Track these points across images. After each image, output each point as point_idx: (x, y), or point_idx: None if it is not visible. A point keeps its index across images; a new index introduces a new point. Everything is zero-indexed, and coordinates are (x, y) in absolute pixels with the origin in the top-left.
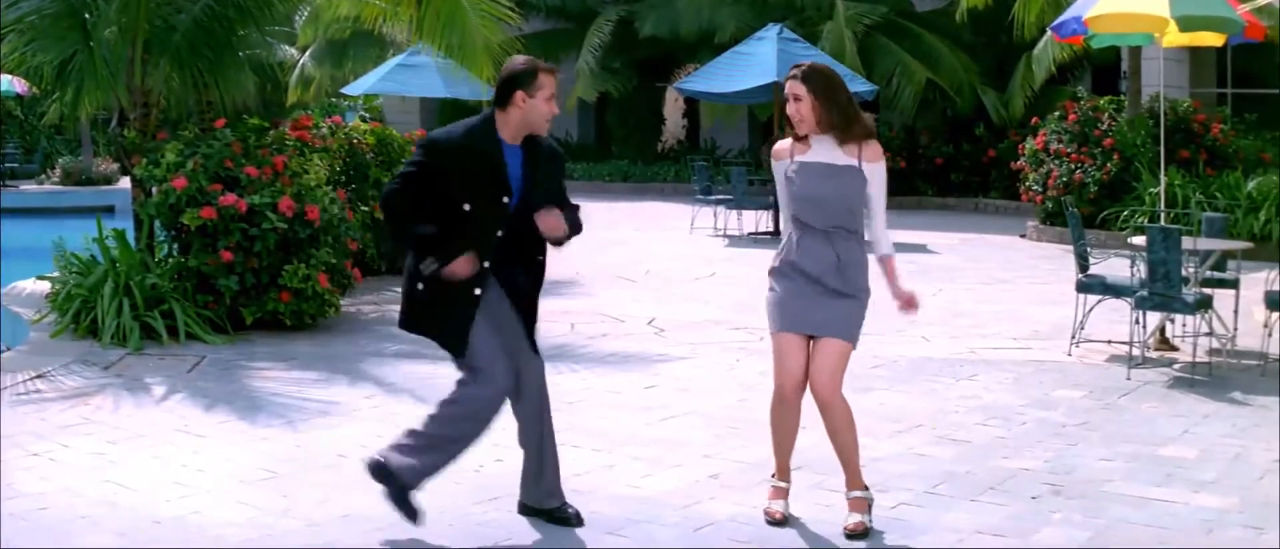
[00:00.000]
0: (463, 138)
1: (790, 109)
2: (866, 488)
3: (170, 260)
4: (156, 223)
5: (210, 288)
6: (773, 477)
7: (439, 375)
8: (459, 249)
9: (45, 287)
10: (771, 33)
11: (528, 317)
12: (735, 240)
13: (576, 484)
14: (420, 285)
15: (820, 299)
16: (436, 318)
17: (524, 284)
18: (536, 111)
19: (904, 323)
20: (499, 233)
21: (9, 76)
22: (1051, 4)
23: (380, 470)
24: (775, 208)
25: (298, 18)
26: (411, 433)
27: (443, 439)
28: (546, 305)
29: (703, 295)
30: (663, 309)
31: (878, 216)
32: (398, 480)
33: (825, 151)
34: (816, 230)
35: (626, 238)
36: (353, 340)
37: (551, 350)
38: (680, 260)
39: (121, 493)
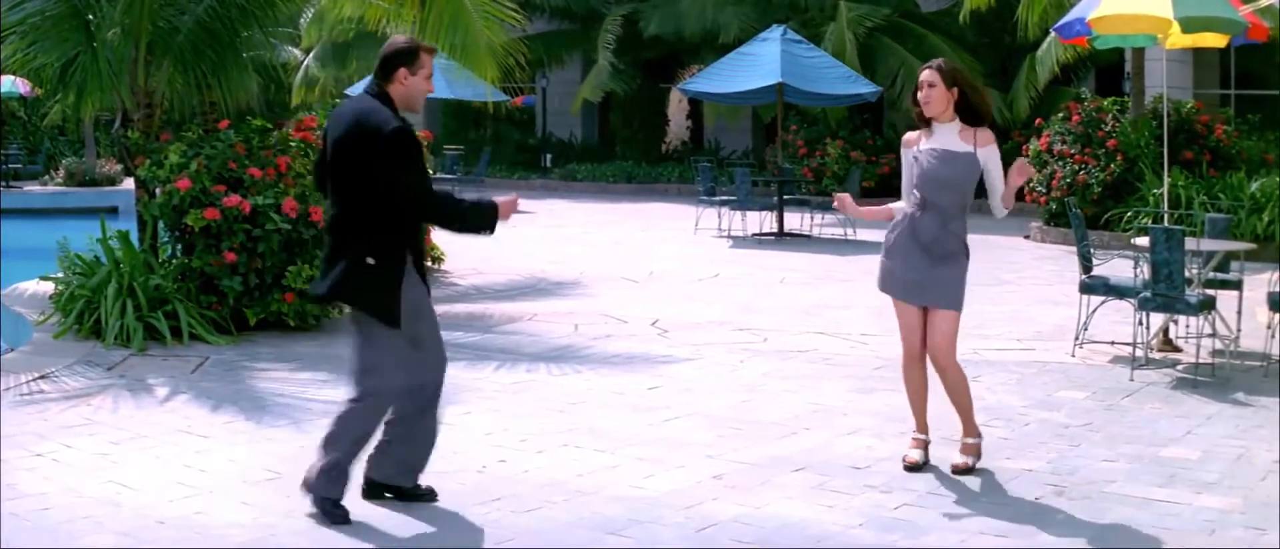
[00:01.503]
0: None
1: (921, 94)
2: (979, 436)
3: (174, 261)
4: (160, 224)
5: (214, 289)
6: (914, 430)
7: (449, 375)
8: (408, 231)
9: (48, 287)
10: (775, 34)
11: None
12: (739, 241)
13: (579, 484)
14: (370, 259)
15: (929, 268)
16: (376, 291)
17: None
18: (418, 89)
19: None
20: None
21: (12, 78)
22: (1054, 5)
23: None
24: (779, 209)
25: (302, 19)
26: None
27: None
28: (550, 305)
29: (706, 296)
30: (666, 310)
31: (997, 188)
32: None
33: (948, 138)
34: (934, 206)
35: (630, 239)
36: (342, 344)
37: (555, 351)
38: (684, 261)
39: (124, 493)
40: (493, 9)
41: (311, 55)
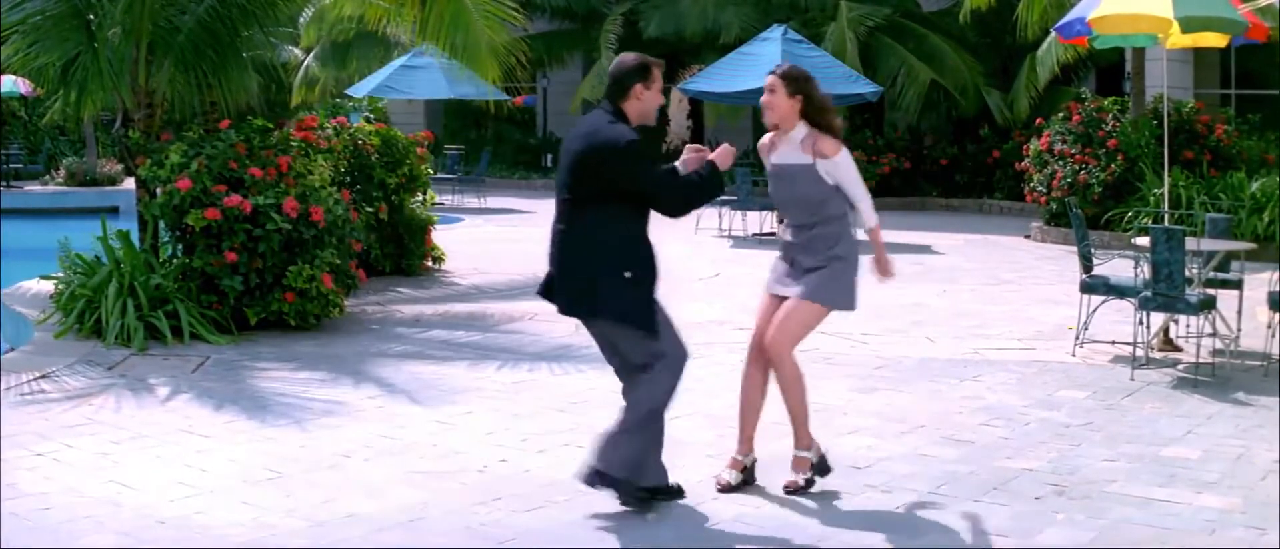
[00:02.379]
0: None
1: (763, 100)
2: (812, 448)
3: (174, 261)
4: (161, 223)
5: (214, 288)
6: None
7: (443, 376)
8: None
9: (49, 287)
10: (776, 34)
11: None
12: (740, 241)
13: (578, 484)
14: (628, 274)
15: (795, 271)
16: (643, 305)
17: None
18: (652, 103)
19: (908, 324)
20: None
21: (13, 77)
22: (1054, 4)
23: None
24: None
25: (301, 18)
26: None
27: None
28: (550, 306)
29: (707, 296)
30: (668, 309)
31: (856, 200)
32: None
33: (790, 151)
34: (793, 220)
35: None
36: (356, 341)
37: (556, 351)
38: (685, 261)
39: (125, 493)
40: (493, 8)
41: (311, 55)
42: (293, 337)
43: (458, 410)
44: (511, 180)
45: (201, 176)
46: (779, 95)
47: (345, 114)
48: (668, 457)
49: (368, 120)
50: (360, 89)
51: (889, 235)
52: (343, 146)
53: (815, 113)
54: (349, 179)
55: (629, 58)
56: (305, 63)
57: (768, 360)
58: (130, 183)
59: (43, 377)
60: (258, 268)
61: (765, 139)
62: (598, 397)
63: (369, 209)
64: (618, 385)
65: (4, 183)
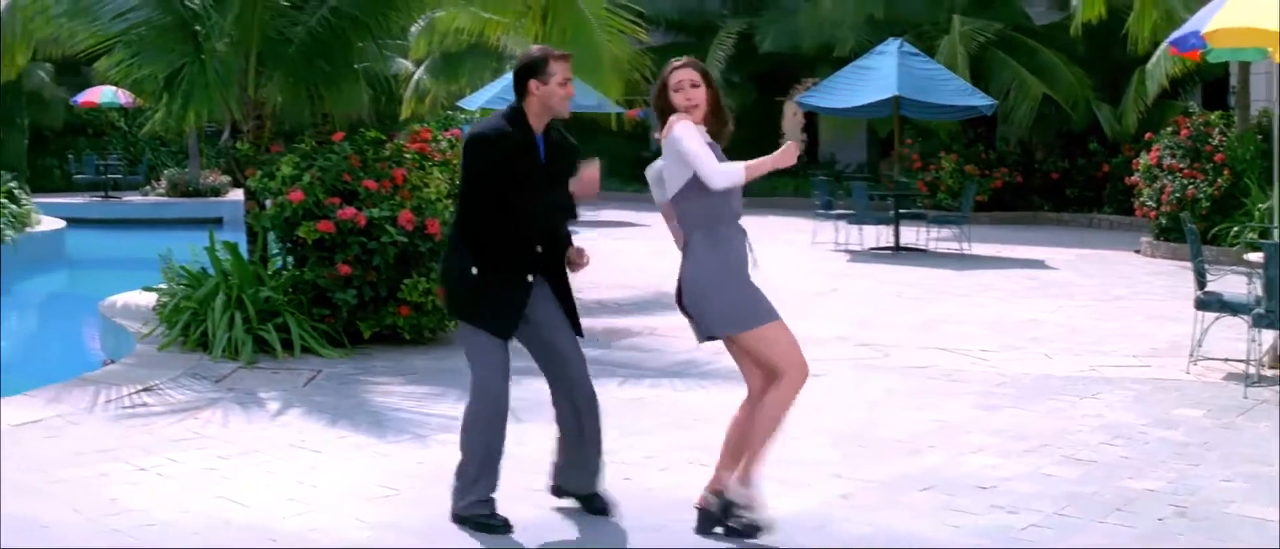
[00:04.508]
0: (507, 129)
1: (688, 95)
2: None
3: (284, 273)
4: (270, 236)
5: (326, 301)
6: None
7: None
8: (516, 243)
9: (148, 299)
10: (892, 47)
11: (567, 304)
12: (856, 255)
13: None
14: (474, 270)
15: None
16: (488, 304)
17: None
18: (554, 95)
19: (1025, 340)
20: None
21: (113, 88)
22: (1164, 18)
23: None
24: (896, 223)
25: (412, 30)
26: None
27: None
28: (669, 319)
29: (826, 311)
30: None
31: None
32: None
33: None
34: (734, 220)
35: None
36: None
37: (678, 366)
38: (802, 275)
39: (234, 509)
40: (615, 22)
41: (422, 67)
42: (407, 350)
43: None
44: (624, 193)
45: (314, 189)
46: (703, 89)
47: (457, 126)
48: (792, 476)
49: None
50: (474, 101)
51: (1001, 249)
52: (457, 159)
53: (721, 106)
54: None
55: (529, 52)
56: (416, 75)
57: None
58: (235, 194)
59: (146, 389)
60: (371, 281)
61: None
62: (721, 413)
63: None
64: (739, 401)
65: (103, 194)
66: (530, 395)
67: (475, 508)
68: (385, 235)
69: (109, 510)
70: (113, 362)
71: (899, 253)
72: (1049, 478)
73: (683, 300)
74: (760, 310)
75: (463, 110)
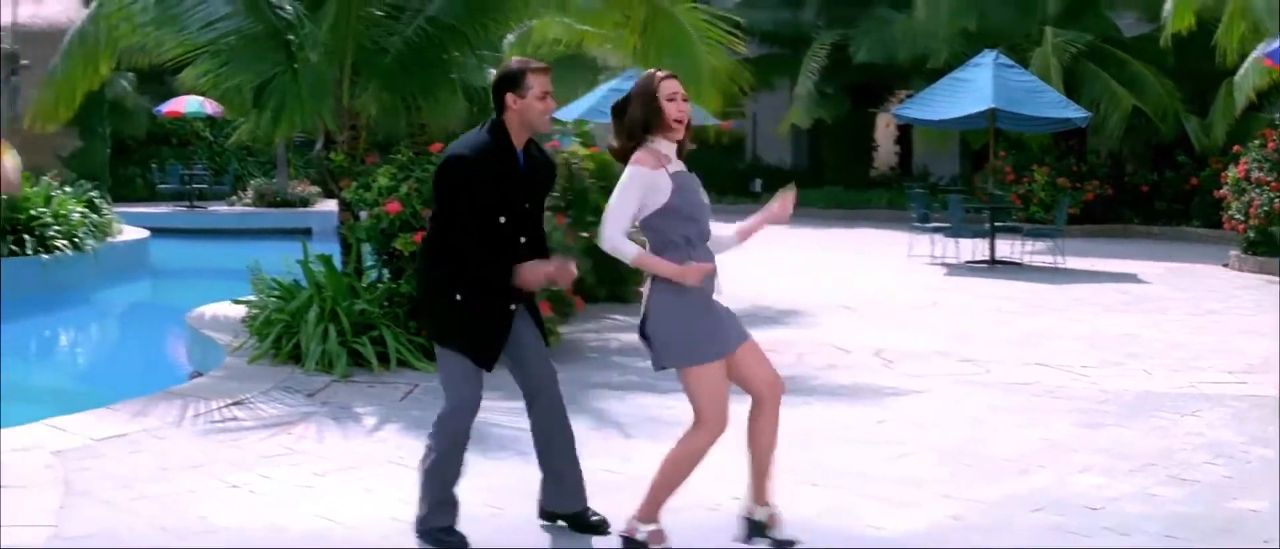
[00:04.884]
0: (487, 148)
1: (684, 108)
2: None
3: (380, 285)
4: (365, 247)
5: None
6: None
7: (665, 408)
8: (499, 264)
9: (234, 310)
10: (988, 59)
11: (538, 324)
12: (953, 269)
13: (817, 524)
14: (458, 296)
15: (723, 309)
16: (473, 333)
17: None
18: (532, 110)
19: (1124, 356)
20: (522, 239)
21: (198, 98)
22: (1251, 29)
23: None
24: (991, 236)
25: (505, 40)
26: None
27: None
28: (772, 334)
29: (925, 325)
30: (887, 339)
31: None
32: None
33: (678, 163)
34: (701, 244)
35: (844, 265)
36: (575, 370)
37: None
38: (900, 289)
39: (332, 528)
40: (714, 33)
41: None
42: (502, 363)
43: (665, 442)
44: (721, 205)
45: (411, 200)
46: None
47: (557, 137)
48: (902, 496)
49: (583, 144)
50: (570, 112)
51: (1094, 263)
52: (560, 173)
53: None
54: (563, 204)
55: (506, 64)
56: None
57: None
58: (324, 205)
59: (236, 403)
60: None
61: (650, 155)
62: (826, 430)
63: (583, 234)
64: (845, 418)
65: (188, 203)
66: (634, 411)
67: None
68: None
69: (198, 528)
70: (200, 374)
71: (994, 266)
72: (1155, 498)
73: (644, 327)
74: (699, 349)
75: (557, 122)
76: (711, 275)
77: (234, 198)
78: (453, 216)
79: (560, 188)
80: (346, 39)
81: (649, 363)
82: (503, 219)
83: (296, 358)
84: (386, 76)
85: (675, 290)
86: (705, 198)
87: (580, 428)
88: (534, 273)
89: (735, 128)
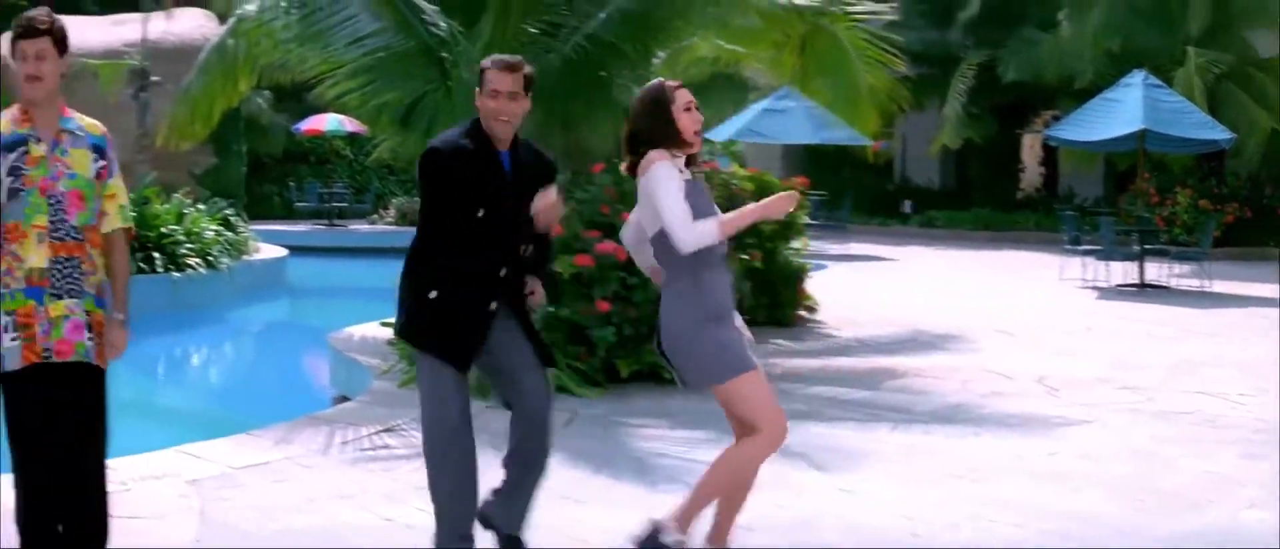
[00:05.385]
0: (460, 141)
1: (697, 119)
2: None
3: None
4: None
5: (582, 339)
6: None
7: (834, 437)
8: (477, 265)
9: (383, 331)
10: (1137, 79)
11: (528, 329)
12: (1104, 292)
13: None
14: (433, 294)
15: (739, 331)
16: (445, 330)
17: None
18: (483, 109)
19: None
20: (506, 243)
21: (339, 116)
22: None
23: None
24: (1141, 259)
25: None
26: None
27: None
28: (932, 359)
29: (1083, 350)
30: (1047, 365)
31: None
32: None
33: (687, 171)
34: (718, 258)
35: (996, 288)
36: None
37: (947, 410)
38: (1053, 313)
39: None
40: (873, 52)
41: None
42: (666, 390)
43: (856, 477)
44: (870, 226)
45: (572, 222)
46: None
47: (715, 158)
48: (1076, 531)
49: (742, 164)
50: (722, 132)
51: (1239, 287)
52: (717, 192)
53: None
54: None
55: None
56: None
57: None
58: None
59: (386, 430)
60: (631, 317)
61: (671, 159)
62: (998, 462)
63: (743, 257)
64: (1015, 449)
65: (327, 221)
66: (807, 440)
67: None
68: None
69: None
70: (346, 398)
71: (1143, 290)
72: None
73: (661, 345)
74: (734, 360)
75: (709, 142)
76: (730, 288)
77: (375, 216)
78: (426, 212)
79: (721, 209)
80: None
81: (816, 390)
82: (481, 212)
83: None
84: (543, 95)
85: (694, 300)
86: (716, 209)
87: None
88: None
89: (883, 148)
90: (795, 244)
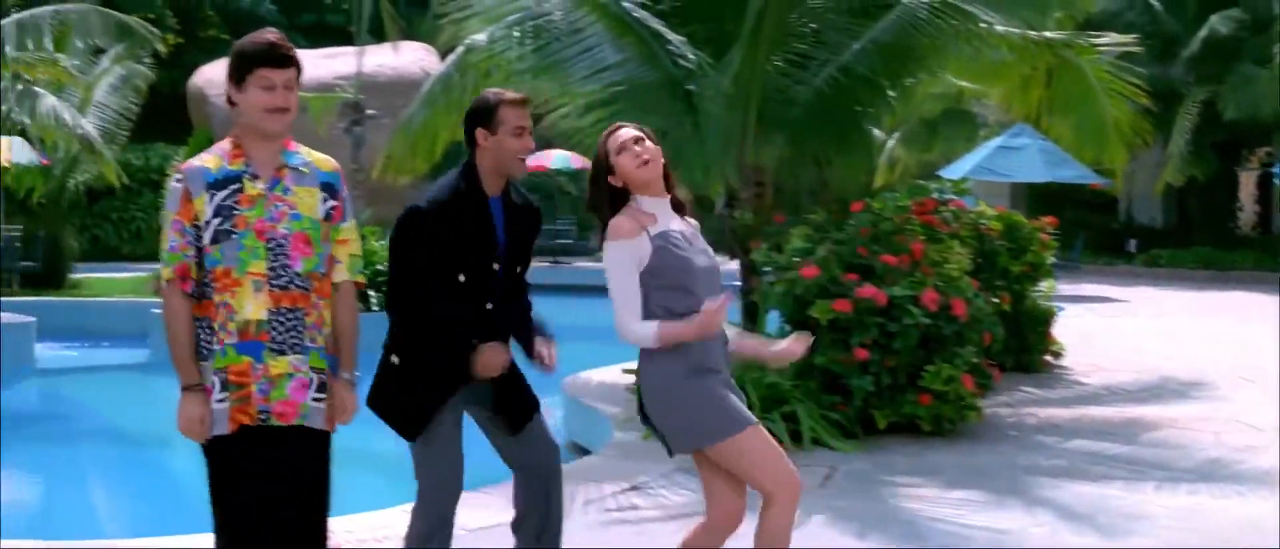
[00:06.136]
0: (450, 197)
1: (642, 151)
2: None
3: None
4: (774, 313)
5: (837, 388)
6: None
7: (1103, 498)
8: (451, 334)
9: (620, 376)
10: None
11: (517, 391)
12: None
13: None
14: (395, 359)
15: (730, 386)
16: (400, 398)
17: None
18: (504, 149)
19: None
20: (488, 305)
21: (565, 152)
22: None
23: None
24: None
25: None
26: None
27: None
28: (1182, 409)
29: None
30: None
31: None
32: None
33: (671, 219)
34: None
35: (1226, 330)
36: (998, 450)
37: (1207, 466)
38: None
39: None
40: (1117, 84)
41: (895, 135)
42: (926, 443)
43: (1139, 540)
44: (1096, 266)
45: (829, 264)
46: (656, 149)
47: (961, 196)
48: None
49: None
50: (958, 169)
51: None
52: (966, 232)
53: (668, 173)
54: (972, 266)
55: (481, 96)
56: (887, 143)
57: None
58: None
59: (633, 488)
60: (890, 366)
61: (626, 222)
62: (1271, 527)
63: (994, 300)
64: None
65: (551, 259)
66: (1074, 500)
67: None
68: (908, 316)
69: None
70: (583, 449)
71: None
72: None
73: (643, 409)
74: (728, 418)
75: (940, 180)
76: (720, 343)
77: (600, 253)
78: (405, 274)
79: (971, 249)
80: (752, 89)
81: (1076, 443)
82: (462, 278)
83: None
84: (794, 129)
85: (679, 363)
86: (704, 260)
87: (1026, 522)
88: (492, 358)
89: (1106, 186)
90: (1042, 286)
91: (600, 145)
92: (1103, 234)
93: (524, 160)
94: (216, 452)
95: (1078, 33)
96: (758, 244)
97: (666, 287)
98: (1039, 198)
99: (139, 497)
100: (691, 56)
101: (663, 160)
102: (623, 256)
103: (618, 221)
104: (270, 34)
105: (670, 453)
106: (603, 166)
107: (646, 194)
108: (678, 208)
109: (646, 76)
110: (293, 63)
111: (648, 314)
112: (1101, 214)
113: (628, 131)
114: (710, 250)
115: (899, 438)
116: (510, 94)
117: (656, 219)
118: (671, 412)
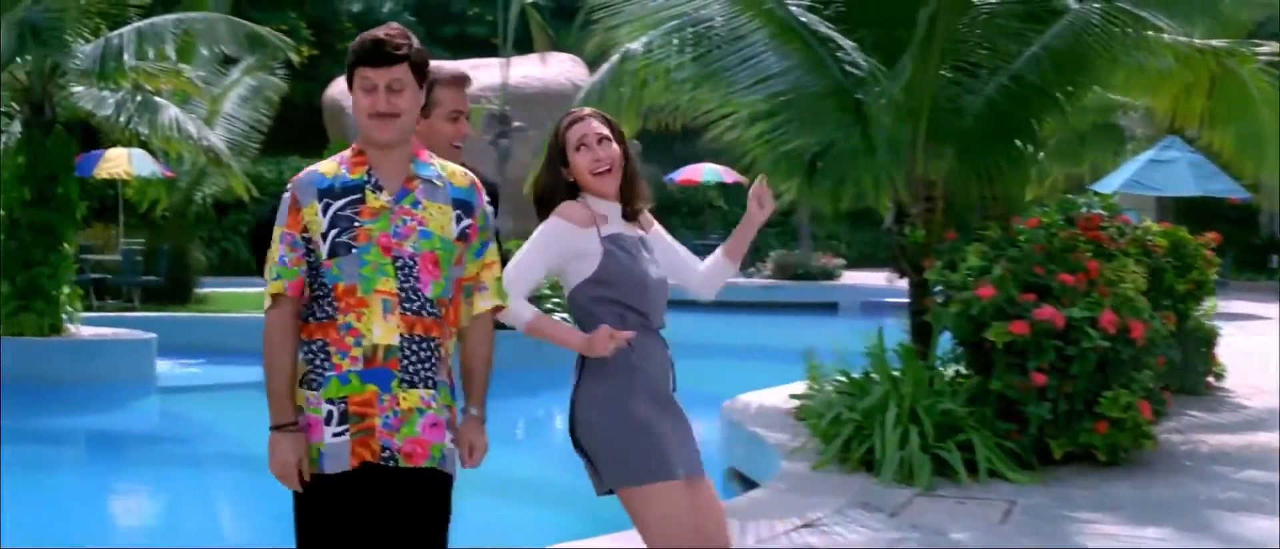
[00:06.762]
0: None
1: (603, 157)
2: None
3: (962, 380)
4: (944, 335)
5: (1011, 415)
6: None
7: None
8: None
9: (782, 401)
10: None
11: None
12: None
13: None
14: None
15: (679, 422)
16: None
17: None
18: (436, 133)
19: None
20: None
21: (716, 166)
22: None
23: None
24: None
25: None
26: None
27: None
28: None
29: None
30: None
31: (692, 261)
32: None
33: (622, 223)
34: (650, 326)
35: None
36: (1177, 482)
37: None
38: None
39: None
40: (1275, 95)
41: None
42: (1102, 474)
43: None
44: (1238, 282)
45: (1006, 284)
46: (616, 147)
47: (1077, 210)
48: None
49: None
50: (1110, 184)
51: None
52: (1134, 249)
53: (634, 173)
54: (1146, 286)
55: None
56: (1038, 156)
57: None
58: (848, 278)
59: (806, 525)
60: (1067, 392)
61: (580, 209)
62: None
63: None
64: None
65: None
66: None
67: None
68: (1086, 339)
69: None
70: (745, 477)
71: None
72: None
73: (573, 432)
74: (652, 461)
75: (1092, 194)
76: (666, 369)
77: (753, 269)
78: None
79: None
80: (924, 98)
81: (1249, 474)
82: None
83: (867, 465)
84: (963, 141)
85: (607, 377)
86: (657, 272)
87: None
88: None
89: (1245, 200)
90: (1205, 304)
91: (561, 130)
92: (1244, 249)
93: (459, 148)
94: (317, 491)
95: (1241, 41)
96: (930, 262)
97: (611, 299)
98: (1182, 212)
99: (260, 518)
100: (863, 63)
101: (624, 167)
102: (556, 238)
103: (572, 205)
104: (384, 29)
105: (597, 489)
106: (558, 154)
107: (599, 196)
108: (631, 218)
109: (813, 85)
110: (400, 60)
111: (594, 324)
112: (1243, 229)
113: (591, 126)
114: (661, 261)
115: (1074, 468)
116: (449, 70)
117: (608, 220)
118: (600, 439)
